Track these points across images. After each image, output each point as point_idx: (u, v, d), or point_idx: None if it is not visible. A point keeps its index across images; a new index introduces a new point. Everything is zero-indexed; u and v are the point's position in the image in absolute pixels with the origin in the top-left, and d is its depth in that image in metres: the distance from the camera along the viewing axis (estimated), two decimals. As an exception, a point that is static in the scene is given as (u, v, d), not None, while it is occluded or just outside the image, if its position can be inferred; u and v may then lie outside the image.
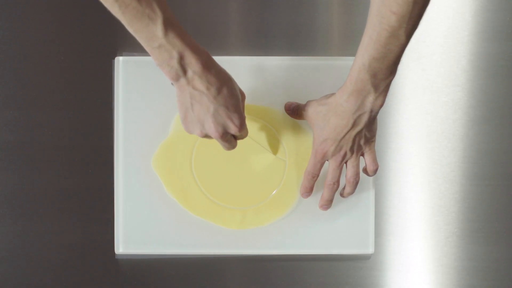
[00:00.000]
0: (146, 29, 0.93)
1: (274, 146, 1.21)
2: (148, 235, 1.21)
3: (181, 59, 0.96)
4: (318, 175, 1.15)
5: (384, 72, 1.00)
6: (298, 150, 1.21)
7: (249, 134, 1.21)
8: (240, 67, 1.21)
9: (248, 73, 1.21)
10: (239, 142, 1.10)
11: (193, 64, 0.97)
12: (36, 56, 1.23)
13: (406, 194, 1.26)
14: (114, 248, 1.21)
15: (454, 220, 1.26)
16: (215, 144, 1.20)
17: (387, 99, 1.20)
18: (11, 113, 1.23)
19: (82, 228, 1.24)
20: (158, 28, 0.93)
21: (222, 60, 1.21)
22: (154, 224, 1.21)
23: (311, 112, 1.12)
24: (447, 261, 1.27)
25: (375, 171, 1.14)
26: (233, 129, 1.03)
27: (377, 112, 1.06)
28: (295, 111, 1.17)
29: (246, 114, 1.21)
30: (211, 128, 1.02)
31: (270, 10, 1.23)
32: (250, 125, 1.20)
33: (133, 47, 1.22)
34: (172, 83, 1.00)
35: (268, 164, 1.20)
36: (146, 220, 1.21)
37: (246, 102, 1.21)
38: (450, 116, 1.25)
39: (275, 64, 1.21)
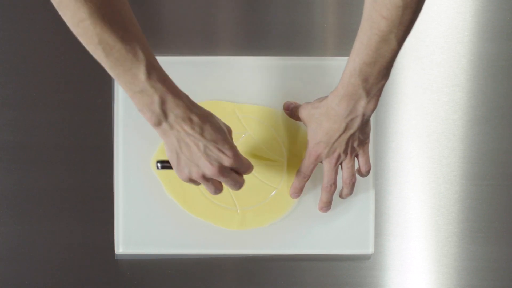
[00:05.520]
0: (129, 73, 0.92)
1: (273, 146, 1.21)
2: (148, 235, 1.21)
3: (162, 104, 0.95)
4: (309, 176, 1.15)
5: (376, 77, 1.00)
6: (297, 150, 1.21)
7: (250, 134, 1.20)
8: (235, 67, 1.21)
9: (244, 73, 1.21)
10: (241, 141, 1.10)
11: (174, 108, 0.96)
12: (36, 56, 1.23)
13: (406, 194, 1.26)
14: (114, 248, 1.21)
15: (454, 220, 1.26)
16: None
17: (387, 99, 1.20)
18: (11, 113, 1.23)
19: (82, 228, 1.24)
20: (141, 72, 0.92)
21: (218, 61, 1.21)
22: (154, 224, 1.21)
23: (305, 114, 1.12)
24: (447, 261, 1.27)
25: (368, 172, 1.15)
26: (227, 161, 1.01)
27: (370, 116, 1.06)
28: (293, 112, 1.17)
29: (245, 114, 1.21)
30: (206, 165, 1.00)
31: (265, 10, 1.23)
32: (250, 125, 1.20)
33: (133, 47, 1.22)
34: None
35: (268, 164, 1.20)
36: (146, 220, 1.21)
37: (244, 102, 1.21)
38: (450, 116, 1.25)
39: (271, 64, 1.21)
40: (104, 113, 1.23)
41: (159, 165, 1.09)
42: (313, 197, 1.21)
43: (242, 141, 1.20)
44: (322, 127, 1.08)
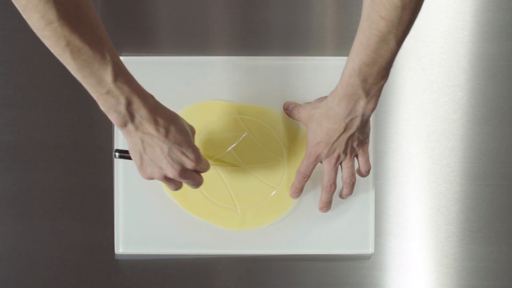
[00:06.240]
0: (95, 75, 0.92)
1: (273, 146, 1.21)
2: (148, 235, 1.21)
3: (128, 105, 0.96)
4: (309, 176, 1.15)
5: (375, 77, 1.00)
6: (296, 150, 1.21)
7: (249, 134, 1.21)
8: (235, 67, 1.21)
9: (243, 73, 1.21)
10: (241, 141, 1.10)
11: (140, 109, 0.96)
12: (36, 56, 1.23)
13: (406, 194, 1.26)
14: (114, 248, 1.21)
15: (454, 220, 1.26)
16: (214, 145, 1.20)
17: (387, 99, 1.20)
18: (11, 113, 1.23)
19: (82, 228, 1.24)
20: (108, 74, 0.93)
21: (218, 61, 1.21)
22: (154, 224, 1.21)
23: (305, 114, 1.12)
24: (447, 261, 1.27)
25: (368, 171, 1.15)
26: (190, 164, 1.03)
27: (369, 116, 1.06)
28: (293, 112, 1.17)
29: (245, 115, 1.21)
30: (168, 167, 1.02)
31: (266, 10, 1.23)
32: (250, 125, 1.20)
33: (134, 47, 1.22)
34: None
35: (268, 164, 1.20)
36: (146, 220, 1.21)
37: (243, 102, 1.21)
38: (450, 116, 1.25)
39: (270, 64, 1.21)
40: (104, 113, 1.23)
41: (117, 154, 1.10)
42: (313, 197, 1.21)
43: (242, 141, 1.20)
44: (322, 127, 1.08)
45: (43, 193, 1.23)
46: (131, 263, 1.24)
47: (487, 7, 1.24)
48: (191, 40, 1.23)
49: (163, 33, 1.23)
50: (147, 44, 1.22)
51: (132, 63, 1.20)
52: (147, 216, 1.21)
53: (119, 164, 1.20)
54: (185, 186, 1.20)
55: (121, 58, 1.19)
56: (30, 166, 1.23)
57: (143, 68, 1.20)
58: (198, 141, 1.20)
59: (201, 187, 1.19)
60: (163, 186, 1.20)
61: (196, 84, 1.20)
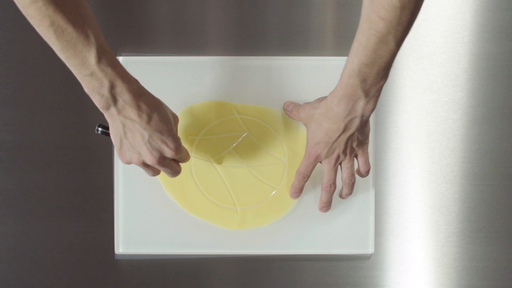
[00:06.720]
0: (79, 56, 0.92)
1: (273, 146, 1.21)
2: (148, 235, 1.21)
3: (112, 88, 0.96)
4: (309, 176, 1.15)
5: (374, 77, 1.00)
6: (297, 150, 1.21)
7: (249, 134, 1.21)
8: (234, 67, 1.21)
9: (243, 73, 1.21)
10: (241, 141, 1.10)
11: (123, 93, 0.96)
12: (36, 56, 1.23)
13: (406, 194, 1.26)
14: (114, 248, 1.21)
15: (454, 220, 1.26)
16: (215, 144, 1.20)
17: (387, 99, 1.20)
18: (11, 113, 1.23)
19: (82, 228, 1.24)
20: (91, 55, 0.93)
21: (218, 61, 1.21)
22: (154, 224, 1.21)
23: (305, 114, 1.12)
24: (447, 261, 1.27)
25: (367, 172, 1.15)
26: (169, 153, 1.03)
27: (369, 116, 1.06)
28: (293, 112, 1.18)
29: (244, 115, 1.21)
30: (147, 154, 1.02)
31: (265, 10, 1.23)
32: (250, 125, 1.20)
33: (133, 47, 1.22)
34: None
35: (268, 164, 1.20)
36: (146, 220, 1.21)
37: (243, 102, 1.21)
38: (450, 116, 1.25)
39: (269, 64, 1.21)
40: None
41: (99, 129, 1.09)
42: (313, 197, 1.21)
43: (242, 141, 1.20)
44: (321, 128, 1.08)
45: (43, 193, 1.24)
46: (131, 263, 1.24)
47: (487, 7, 1.24)
48: (190, 40, 1.23)
49: (162, 33, 1.23)
50: (146, 44, 1.22)
51: (132, 63, 1.20)
52: (147, 216, 1.21)
53: (119, 164, 1.20)
54: (185, 187, 1.20)
55: (121, 58, 1.20)
56: (30, 166, 1.23)
57: (143, 68, 1.20)
58: (198, 141, 1.20)
59: (201, 187, 1.19)
60: (163, 186, 1.20)
61: (196, 84, 1.20)
